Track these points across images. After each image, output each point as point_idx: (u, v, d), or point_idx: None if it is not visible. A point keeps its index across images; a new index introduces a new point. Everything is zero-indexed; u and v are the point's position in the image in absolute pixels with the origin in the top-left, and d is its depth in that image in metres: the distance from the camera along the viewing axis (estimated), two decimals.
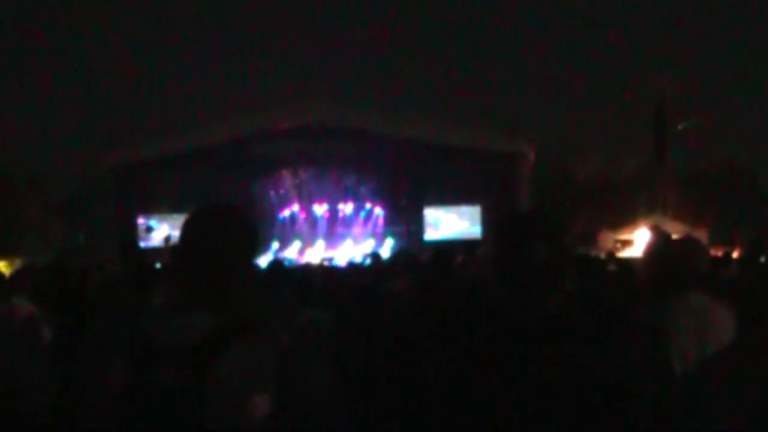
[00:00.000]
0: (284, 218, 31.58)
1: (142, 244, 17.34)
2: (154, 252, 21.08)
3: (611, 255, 9.43)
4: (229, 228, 2.03)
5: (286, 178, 31.75)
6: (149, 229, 26.93)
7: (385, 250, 25.80)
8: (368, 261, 10.41)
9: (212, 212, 2.10)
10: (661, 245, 3.40)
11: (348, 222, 31.55)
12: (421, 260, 8.02)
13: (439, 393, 2.08)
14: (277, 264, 6.44)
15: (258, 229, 2.14)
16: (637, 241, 23.42)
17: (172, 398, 1.80)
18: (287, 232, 31.17)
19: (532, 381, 1.98)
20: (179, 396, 1.80)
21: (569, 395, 1.97)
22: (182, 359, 1.82)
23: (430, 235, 30.60)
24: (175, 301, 2.01)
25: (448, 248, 6.74)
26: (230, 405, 1.80)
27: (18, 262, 21.83)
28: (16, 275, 4.99)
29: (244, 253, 2.04)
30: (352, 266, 10.79)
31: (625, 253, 20.45)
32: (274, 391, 1.85)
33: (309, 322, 4.67)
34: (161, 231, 27.83)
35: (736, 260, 8.13)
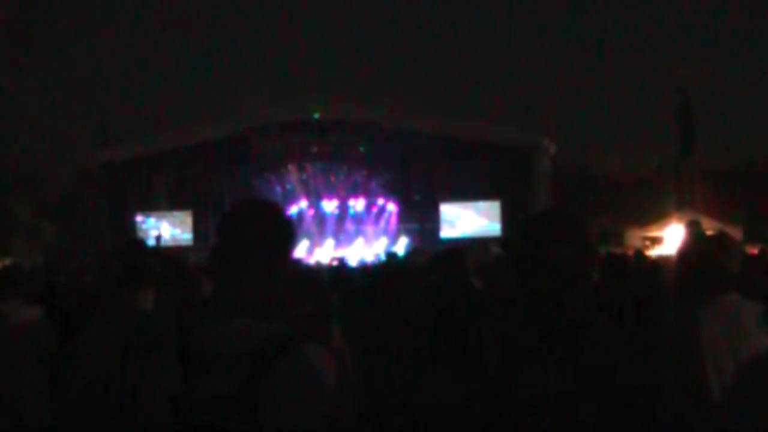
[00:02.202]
0: (291, 215, 31.57)
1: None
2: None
3: (640, 253, 9.39)
4: (269, 223, 2.05)
5: (292, 173, 31.74)
6: (158, 239, 27.14)
7: (399, 249, 25.79)
8: (382, 260, 10.40)
9: (248, 208, 2.12)
10: (697, 243, 3.37)
11: (359, 219, 31.55)
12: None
13: (452, 403, 2.09)
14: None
15: (292, 223, 2.15)
16: (668, 239, 23.30)
17: (225, 406, 1.83)
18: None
19: (556, 387, 1.99)
20: (232, 404, 1.82)
21: (594, 401, 1.98)
22: (236, 366, 1.84)
23: (447, 232, 30.55)
24: (222, 305, 2.03)
25: (459, 247, 6.68)
26: (284, 415, 1.82)
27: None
28: (6, 275, 4.99)
29: (283, 248, 2.07)
30: (362, 267, 10.78)
31: (654, 251, 20.37)
32: (328, 407, 1.87)
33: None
34: (161, 230, 27.97)
35: None
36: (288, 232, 2.09)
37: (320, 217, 31.61)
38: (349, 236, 30.77)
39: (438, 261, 6.17)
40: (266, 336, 1.89)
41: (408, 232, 30.47)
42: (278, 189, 31.70)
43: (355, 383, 3.68)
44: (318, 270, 5.69)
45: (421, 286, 6.11)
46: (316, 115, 29.45)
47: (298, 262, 5.92)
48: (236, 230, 2.04)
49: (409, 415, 4.12)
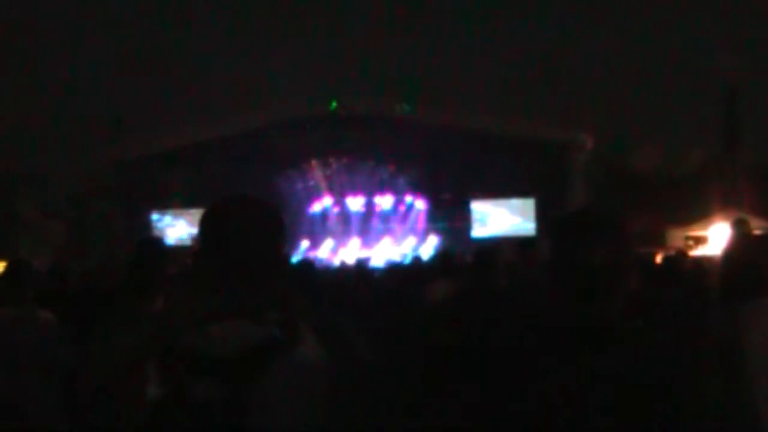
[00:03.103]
0: (314, 214, 31.64)
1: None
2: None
3: (683, 254, 9.30)
4: (252, 219, 2.04)
5: (316, 170, 31.78)
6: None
7: (428, 249, 25.78)
8: (407, 261, 10.41)
9: (234, 205, 2.10)
10: (744, 243, 3.33)
11: (386, 217, 31.54)
12: (465, 261, 7.97)
13: (475, 412, 2.08)
14: (306, 265, 6.40)
15: (282, 217, 2.14)
16: (712, 238, 23.15)
17: (213, 412, 1.82)
18: (318, 230, 31.24)
19: (590, 396, 1.96)
20: (220, 410, 1.81)
21: (631, 412, 1.94)
22: (227, 370, 1.83)
23: (478, 231, 30.49)
24: (206, 307, 2.00)
25: (492, 248, 6.65)
26: (274, 422, 1.82)
27: None
28: (15, 272, 4.97)
29: (273, 246, 2.05)
30: (390, 267, 10.77)
31: (698, 252, 20.22)
32: (322, 410, 1.88)
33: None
34: (177, 229, 28.05)
35: None
36: (278, 228, 2.08)
37: (345, 216, 31.62)
38: (375, 235, 30.75)
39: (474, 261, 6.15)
40: (258, 339, 1.88)
41: (437, 232, 30.41)
42: (300, 186, 31.73)
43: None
44: (314, 270, 5.65)
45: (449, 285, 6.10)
46: (341, 109, 29.48)
47: (288, 261, 5.90)
48: (223, 228, 2.02)
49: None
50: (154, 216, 30.67)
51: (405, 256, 23.17)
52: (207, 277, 2.06)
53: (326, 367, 1.93)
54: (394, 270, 9.69)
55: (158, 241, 7.29)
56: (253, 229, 2.01)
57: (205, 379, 1.84)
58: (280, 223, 2.10)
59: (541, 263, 6.57)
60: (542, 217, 29.18)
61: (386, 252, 27.57)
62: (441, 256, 8.63)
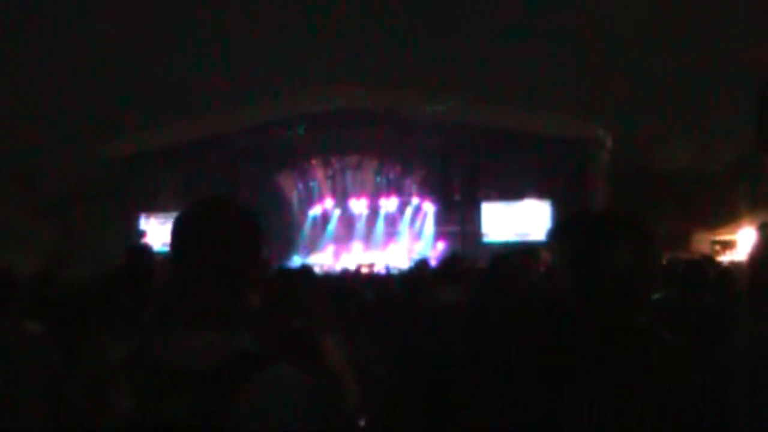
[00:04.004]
0: (315, 216, 31.66)
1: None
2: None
3: (709, 259, 9.33)
4: (225, 224, 2.03)
5: (317, 170, 31.76)
6: (141, 234, 26.84)
7: (436, 254, 25.72)
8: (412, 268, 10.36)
9: (207, 208, 2.09)
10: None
11: (391, 221, 31.49)
12: (476, 268, 7.98)
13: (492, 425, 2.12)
14: (306, 272, 6.40)
15: (259, 221, 2.12)
16: (741, 243, 23.14)
17: (185, 431, 1.80)
18: (319, 233, 31.24)
19: (612, 407, 2.01)
20: (193, 429, 1.80)
21: (657, 424, 1.98)
22: (195, 387, 1.82)
23: (491, 236, 30.39)
24: (181, 317, 1.99)
25: (507, 253, 6.69)
26: None
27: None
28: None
29: (249, 251, 2.04)
30: (389, 275, 10.76)
31: (726, 257, 20.23)
32: (299, 428, 1.84)
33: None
34: (161, 233, 27.99)
35: None
36: (253, 233, 2.07)
37: (348, 218, 31.60)
38: (380, 240, 30.72)
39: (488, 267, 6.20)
40: (230, 353, 1.87)
41: (446, 236, 30.35)
42: (300, 186, 31.74)
43: (355, 409, 3.67)
44: (314, 276, 5.64)
45: (459, 293, 6.13)
46: (343, 104, 29.37)
47: (268, 266, 5.82)
48: (194, 233, 2.02)
49: None
50: (145, 219, 30.61)
51: (412, 261, 23.06)
52: (178, 286, 2.05)
53: (307, 385, 1.91)
54: (399, 277, 9.69)
55: (149, 249, 7.31)
56: (225, 234, 2.00)
57: (173, 395, 1.83)
58: (256, 227, 2.08)
59: (543, 271, 6.61)
60: (559, 219, 29.00)
61: (391, 257, 27.52)
62: (449, 261, 8.59)
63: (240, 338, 1.92)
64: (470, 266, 8.24)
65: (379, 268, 21.95)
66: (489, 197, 30.88)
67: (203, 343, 1.89)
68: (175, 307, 2.02)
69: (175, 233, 2.04)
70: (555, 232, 3.79)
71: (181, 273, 2.03)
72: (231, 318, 1.95)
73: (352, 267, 21.64)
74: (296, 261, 27.02)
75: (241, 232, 2.04)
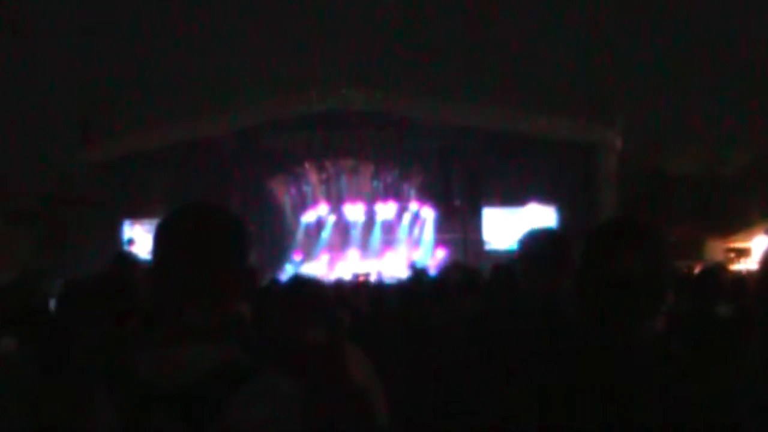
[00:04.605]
0: (309, 223, 31.60)
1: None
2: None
3: (722, 267, 9.32)
4: (210, 230, 2.02)
5: (310, 173, 31.71)
6: (131, 242, 26.66)
7: (436, 263, 25.68)
8: (408, 277, 10.31)
9: (191, 213, 2.09)
10: None
11: (388, 227, 31.45)
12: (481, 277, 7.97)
13: None
14: (298, 282, 6.35)
15: (246, 227, 2.13)
16: (756, 251, 23.18)
17: None
18: (312, 241, 31.20)
19: (621, 426, 2.01)
20: None
21: None
22: (181, 402, 1.82)
23: (493, 243, 30.28)
24: (165, 329, 1.98)
25: (512, 262, 6.67)
26: None
27: None
28: None
29: (235, 259, 2.04)
30: (382, 285, 10.69)
31: (740, 265, 20.25)
32: None
33: None
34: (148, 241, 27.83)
35: None
36: (239, 240, 2.07)
37: (343, 225, 31.52)
38: (376, 247, 30.69)
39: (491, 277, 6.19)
40: (217, 365, 1.87)
41: (447, 243, 30.29)
42: (293, 191, 31.68)
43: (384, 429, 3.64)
44: (323, 286, 5.60)
45: (457, 311, 6.11)
46: (338, 106, 29.32)
47: (255, 275, 5.76)
48: (178, 239, 2.02)
49: None
50: (130, 226, 30.51)
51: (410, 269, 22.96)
52: (161, 296, 2.05)
53: (300, 397, 1.90)
54: (396, 288, 9.64)
55: (133, 257, 7.30)
56: (210, 241, 2.00)
57: (160, 411, 1.82)
58: (242, 234, 2.09)
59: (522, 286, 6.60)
60: (565, 226, 29.01)
61: (389, 267, 27.47)
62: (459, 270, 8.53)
63: (229, 350, 1.92)
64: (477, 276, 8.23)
65: (376, 277, 21.88)
66: (491, 203, 30.79)
67: (190, 357, 1.88)
68: (160, 319, 2.02)
69: (158, 240, 2.04)
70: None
71: (165, 282, 2.02)
72: (219, 329, 1.94)
73: (347, 276, 21.62)
74: (288, 270, 27.01)
75: (227, 239, 2.03)
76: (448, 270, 10.05)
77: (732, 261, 22.48)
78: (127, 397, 1.86)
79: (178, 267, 1.98)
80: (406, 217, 31.33)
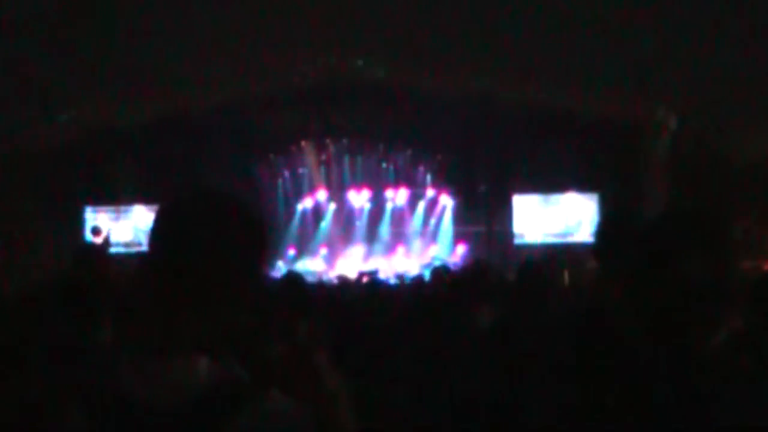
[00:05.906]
0: (305, 211, 31.55)
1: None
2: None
3: None
4: (221, 224, 2.00)
5: (307, 154, 31.62)
6: (96, 231, 26.69)
7: (456, 259, 25.68)
8: (427, 276, 10.32)
9: (191, 204, 2.07)
10: None
11: (399, 217, 31.41)
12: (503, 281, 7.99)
13: None
14: (293, 281, 6.34)
15: (265, 226, 2.12)
16: None
17: None
18: (309, 233, 31.17)
19: None
20: None
21: None
22: (173, 424, 1.81)
23: (524, 236, 30.30)
24: (153, 340, 1.96)
25: (540, 260, 6.68)
26: None
27: None
28: None
29: (248, 261, 2.02)
30: (402, 285, 10.74)
31: None
32: None
33: None
34: (120, 230, 27.86)
35: None
36: (257, 237, 2.07)
37: (346, 215, 31.50)
38: (385, 241, 30.64)
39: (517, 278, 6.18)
40: (215, 382, 1.86)
41: (469, 237, 30.22)
42: (286, 175, 31.59)
43: None
44: (304, 288, 5.56)
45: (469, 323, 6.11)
46: (341, 76, 29.19)
47: (264, 280, 5.74)
48: (184, 234, 1.98)
49: None
50: (91, 212, 30.50)
51: (428, 266, 22.79)
52: (156, 299, 2.01)
53: (301, 415, 1.91)
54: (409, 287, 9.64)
55: (100, 250, 7.31)
56: (221, 237, 1.98)
57: None
58: (261, 230, 2.09)
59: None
60: (609, 219, 28.81)
61: (400, 264, 27.47)
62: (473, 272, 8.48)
63: (226, 366, 1.92)
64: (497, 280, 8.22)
65: (385, 276, 21.87)
66: (522, 189, 30.73)
67: (185, 371, 1.87)
68: (146, 327, 1.99)
69: (157, 233, 2.02)
70: (605, 233, 3.77)
71: (160, 284, 1.98)
72: (217, 342, 1.93)
73: (350, 275, 21.58)
74: (280, 268, 26.95)
75: (243, 239, 2.02)
76: (463, 271, 9.91)
77: None
78: (107, 412, 1.86)
79: (181, 265, 1.96)
80: (421, 206, 31.30)
